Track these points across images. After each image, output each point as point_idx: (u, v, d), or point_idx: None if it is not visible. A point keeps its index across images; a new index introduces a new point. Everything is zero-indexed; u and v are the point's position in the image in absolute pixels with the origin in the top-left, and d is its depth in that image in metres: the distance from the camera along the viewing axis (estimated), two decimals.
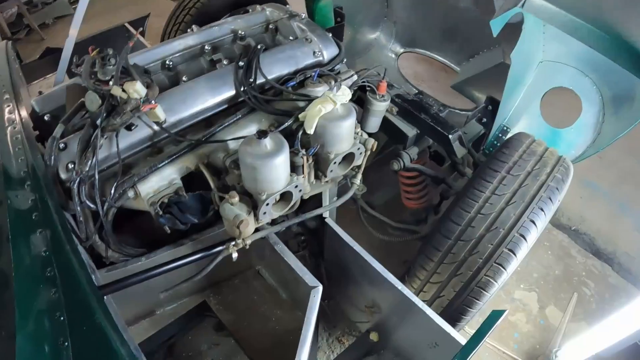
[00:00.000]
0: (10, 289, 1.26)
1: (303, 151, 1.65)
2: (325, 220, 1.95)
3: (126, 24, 3.19)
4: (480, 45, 3.16)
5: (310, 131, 1.63)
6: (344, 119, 1.67)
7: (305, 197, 1.77)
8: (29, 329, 1.21)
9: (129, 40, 1.70)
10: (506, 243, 1.98)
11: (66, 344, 1.20)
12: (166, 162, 1.62)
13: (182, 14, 3.16)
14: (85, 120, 1.65)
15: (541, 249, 3.26)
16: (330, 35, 2.10)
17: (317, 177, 1.79)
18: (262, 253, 2.08)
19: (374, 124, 2.08)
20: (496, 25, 2.33)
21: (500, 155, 2.13)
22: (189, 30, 2.23)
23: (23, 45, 5.37)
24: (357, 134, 1.80)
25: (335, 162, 1.72)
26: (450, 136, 2.20)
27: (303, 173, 1.67)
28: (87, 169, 1.52)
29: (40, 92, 2.10)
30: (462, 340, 1.78)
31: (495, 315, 1.85)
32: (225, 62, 1.98)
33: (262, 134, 1.48)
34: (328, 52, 2.05)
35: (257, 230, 1.70)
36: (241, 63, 1.85)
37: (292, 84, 1.86)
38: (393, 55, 3.24)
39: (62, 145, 1.59)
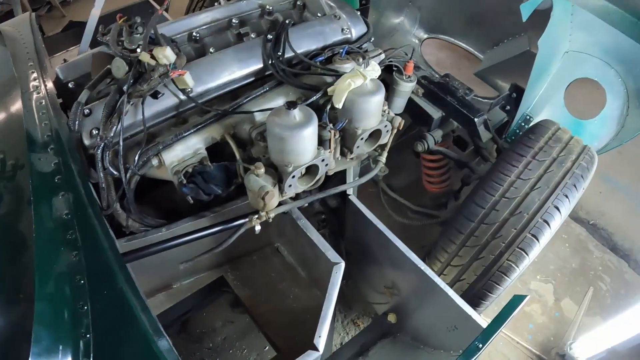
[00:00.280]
0: (30, 251, 1.23)
1: (331, 125, 1.61)
2: (349, 197, 1.91)
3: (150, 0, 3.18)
4: (505, 33, 3.08)
5: (339, 105, 1.59)
6: (373, 94, 1.62)
7: (330, 173, 1.73)
8: (48, 292, 1.18)
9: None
10: (529, 228, 1.93)
11: (86, 308, 1.17)
12: (192, 131, 1.58)
13: None
14: (110, 87, 1.63)
15: (559, 241, 3.20)
16: (359, 12, 2.06)
17: (342, 154, 1.75)
18: (283, 229, 2.03)
19: (399, 104, 2.03)
20: (526, 10, 2.28)
21: (526, 140, 2.08)
22: (215, 4, 2.20)
23: (44, 21, 5.35)
24: (385, 111, 1.77)
25: (362, 138, 1.68)
26: (476, 119, 2.15)
27: (330, 148, 1.64)
28: (111, 135, 1.48)
29: (64, 61, 2.09)
30: (483, 323, 1.75)
31: (517, 300, 1.82)
32: (252, 35, 1.95)
33: (291, 105, 1.44)
34: (356, 29, 2.01)
35: (280, 204, 1.67)
36: (270, 36, 1.81)
37: (320, 59, 1.81)
38: (416, 41, 3.18)
39: (86, 111, 1.54)
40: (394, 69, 2.00)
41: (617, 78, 2.36)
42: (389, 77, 2.02)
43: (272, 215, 1.63)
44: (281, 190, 1.57)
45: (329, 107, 1.62)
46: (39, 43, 2.00)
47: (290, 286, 2.05)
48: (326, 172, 1.69)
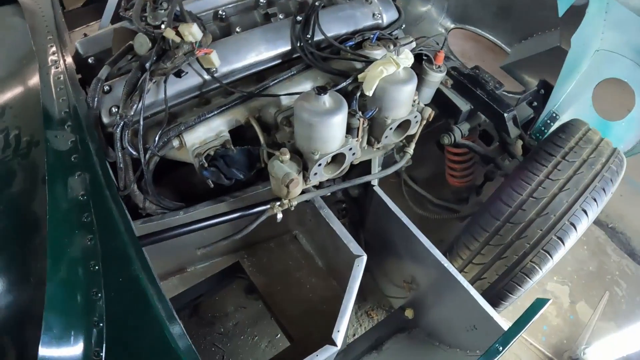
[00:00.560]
0: (43, 234, 1.13)
1: (360, 113, 1.52)
2: (374, 188, 1.82)
3: None
4: (535, 27, 2.95)
5: (369, 93, 1.49)
6: (405, 83, 1.52)
7: (355, 162, 1.65)
8: (61, 277, 1.09)
9: None
10: (556, 230, 1.84)
11: (99, 295, 1.08)
12: (215, 112, 1.48)
13: None
14: (132, 64, 1.55)
15: (578, 243, 3.06)
16: None
17: (369, 143, 1.66)
18: (303, 217, 1.94)
19: (426, 95, 1.92)
20: (563, 5, 2.17)
21: (556, 139, 1.98)
22: None
23: None
24: (415, 102, 1.67)
25: (391, 128, 1.58)
26: (505, 115, 2.04)
27: (357, 136, 1.55)
28: (131, 113, 1.38)
29: (85, 35, 2.00)
30: (505, 325, 1.67)
31: (539, 304, 1.73)
32: (280, 16, 1.85)
33: (321, 90, 1.35)
34: (388, 15, 1.89)
35: (303, 192, 1.59)
36: (299, 18, 1.71)
37: (350, 43, 1.71)
38: (443, 30, 3.05)
39: (106, 88, 1.45)
40: (424, 58, 1.89)
41: None
42: (417, 67, 1.91)
43: (294, 203, 1.54)
44: (305, 178, 1.48)
45: (358, 94, 1.52)
46: (58, 17, 1.90)
47: (307, 275, 1.98)
48: (352, 162, 1.60)
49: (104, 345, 1.04)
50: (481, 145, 2.22)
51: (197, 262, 2.00)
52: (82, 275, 1.10)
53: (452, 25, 3.10)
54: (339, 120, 1.37)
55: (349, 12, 1.81)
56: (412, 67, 1.92)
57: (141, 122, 1.40)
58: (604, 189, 1.92)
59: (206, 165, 1.47)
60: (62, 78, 1.52)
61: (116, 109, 1.44)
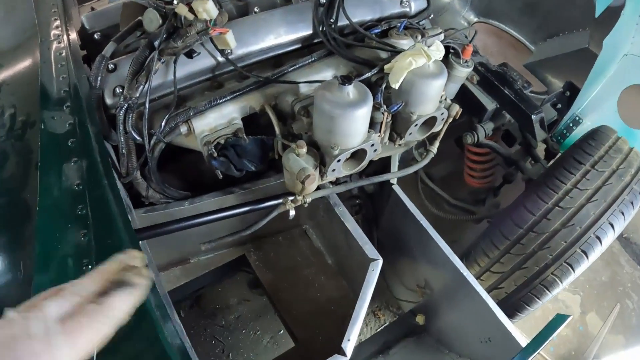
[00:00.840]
0: (32, 226, 0.99)
1: (384, 107, 1.37)
2: (393, 187, 1.67)
3: None
4: (562, 26, 2.76)
5: (396, 85, 1.34)
6: (435, 77, 1.37)
7: (375, 158, 1.51)
8: (50, 275, 0.94)
9: None
10: (580, 243, 1.69)
11: None
12: (228, 98, 1.33)
13: None
14: (140, 41, 1.40)
15: None
16: None
17: (390, 139, 1.51)
18: (314, 212, 1.79)
19: (451, 90, 1.77)
20: (601, 4, 2.01)
21: (586, 147, 1.82)
22: None
23: None
24: (442, 97, 1.52)
25: (416, 125, 1.44)
26: (533, 116, 1.88)
27: (380, 132, 1.41)
28: (137, 95, 1.23)
29: (92, 9, 1.86)
30: (523, 341, 1.54)
31: (559, 320, 1.61)
32: None
33: (346, 80, 1.20)
34: (416, 3, 1.72)
35: (318, 187, 1.45)
36: (322, 0, 1.55)
37: (376, 31, 1.56)
38: (465, 24, 2.90)
39: (111, 66, 1.30)
40: (451, 51, 1.74)
41: None
42: (444, 60, 1.76)
43: (309, 200, 1.40)
44: (322, 174, 1.34)
45: (384, 86, 1.38)
46: None
47: (316, 273, 1.84)
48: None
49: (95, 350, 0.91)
50: (503, 147, 2.07)
51: (201, 253, 1.86)
52: (73, 275, 0.96)
53: (475, 19, 2.92)
54: (363, 114, 1.22)
55: None
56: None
57: (146, 105, 1.26)
58: (632, 203, 1.77)
59: (215, 154, 1.33)
60: (64, 54, 1.37)
61: (120, 90, 1.30)
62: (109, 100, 1.32)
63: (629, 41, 2.17)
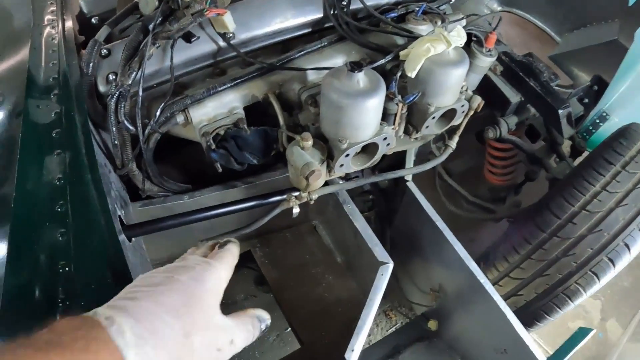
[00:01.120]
0: (6, 222, 0.87)
1: (399, 97, 1.22)
2: (407, 184, 1.52)
3: None
4: (590, 17, 2.55)
5: (412, 74, 1.19)
6: (455, 66, 1.21)
7: (389, 152, 1.36)
8: (22, 278, 0.82)
9: None
10: (608, 251, 1.52)
11: (68, 303, 0.79)
12: (228, 85, 1.19)
13: None
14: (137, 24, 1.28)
15: None
16: None
17: (406, 132, 1.36)
18: (324, 208, 1.65)
19: (473, 81, 1.60)
20: None
21: (616, 146, 1.63)
22: None
23: None
24: (463, 88, 1.36)
25: (433, 117, 1.28)
26: (560, 111, 1.70)
27: (394, 124, 1.26)
28: (129, 82, 1.11)
29: None
30: (540, 355, 1.38)
31: (582, 333, 1.46)
32: None
33: (355, 66, 1.05)
34: None
35: (326, 183, 1.31)
36: None
37: (392, 15, 1.41)
38: (487, 12, 2.71)
39: (104, 52, 1.17)
40: (473, 39, 1.57)
41: None
42: (465, 48, 1.60)
43: (315, 197, 1.26)
44: (330, 169, 1.20)
45: (399, 74, 1.22)
46: None
47: (324, 272, 1.71)
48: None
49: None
50: (526, 142, 1.89)
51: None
52: (47, 277, 0.84)
53: (499, 8, 2.73)
54: (375, 104, 1.07)
55: None
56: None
57: (140, 93, 1.13)
58: None
59: (214, 146, 1.20)
60: (56, 40, 1.25)
61: (114, 77, 1.18)
62: (102, 88, 1.20)
63: None
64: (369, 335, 2.09)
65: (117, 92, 1.12)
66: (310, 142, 1.11)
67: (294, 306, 1.64)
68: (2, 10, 1.48)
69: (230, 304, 2.11)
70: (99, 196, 0.96)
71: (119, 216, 1.18)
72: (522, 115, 1.80)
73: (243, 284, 2.10)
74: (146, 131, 1.18)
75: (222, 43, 1.26)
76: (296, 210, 1.23)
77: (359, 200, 1.86)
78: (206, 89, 1.18)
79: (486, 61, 1.54)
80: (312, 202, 1.26)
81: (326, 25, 1.39)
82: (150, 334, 0.55)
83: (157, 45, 1.17)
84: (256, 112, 1.32)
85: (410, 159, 1.51)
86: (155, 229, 1.18)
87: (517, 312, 1.63)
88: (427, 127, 1.29)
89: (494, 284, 1.63)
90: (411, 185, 1.50)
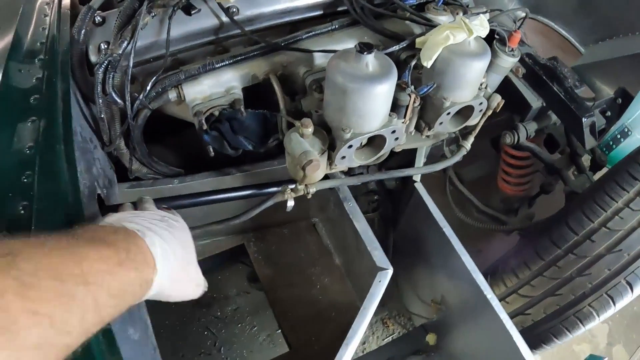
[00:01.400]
0: None
1: (412, 87, 1.09)
2: (415, 185, 1.39)
3: None
4: (618, 28, 2.40)
5: (428, 63, 1.06)
6: (476, 58, 1.08)
7: (398, 149, 1.22)
8: None
9: None
10: (626, 273, 1.37)
11: None
12: (227, 62, 1.07)
13: None
14: None
15: None
16: None
17: (417, 128, 1.23)
18: (326, 205, 1.53)
19: (493, 82, 1.46)
20: None
21: None
22: None
23: None
24: (482, 85, 1.23)
25: (448, 113, 1.15)
26: (584, 120, 1.56)
27: (405, 117, 1.12)
28: (120, 51, 1.00)
29: None
30: None
31: None
32: None
33: (365, 48, 0.93)
34: None
35: (327, 177, 1.19)
36: None
37: (411, 1, 1.28)
38: (512, 20, 2.57)
39: (98, 19, 1.07)
40: (496, 37, 1.43)
41: None
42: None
43: (312, 190, 1.13)
44: (330, 161, 1.07)
45: (413, 62, 1.09)
46: None
47: (321, 274, 1.57)
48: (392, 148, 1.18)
49: None
50: (544, 152, 1.74)
51: (195, 238, 1.62)
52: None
53: (529, 15, 2.59)
54: (384, 91, 0.94)
55: None
56: None
57: (130, 63, 1.02)
58: None
59: (205, 127, 1.08)
60: (50, 4, 1.15)
61: (106, 46, 1.07)
62: (93, 57, 1.10)
63: None
64: (363, 343, 1.95)
65: (106, 61, 1.01)
66: (310, 129, 0.99)
67: (285, 307, 1.52)
68: None
69: (222, 299, 1.99)
70: (70, 169, 0.85)
71: (99, 195, 1.07)
72: (542, 122, 1.65)
73: (236, 280, 1.98)
74: (134, 106, 1.06)
75: (225, 18, 1.14)
76: (290, 203, 1.11)
77: (363, 200, 1.72)
78: (202, 65, 1.07)
79: (508, 61, 1.40)
80: (309, 196, 1.13)
81: (340, 8, 1.27)
82: (170, 254, 0.65)
83: (153, 14, 1.06)
84: (259, 99, 1.19)
85: (420, 159, 1.38)
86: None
87: (523, 333, 1.49)
88: (440, 123, 1.16)
89: (500, 300, 1.49)
90: (419, 186, 1.37)
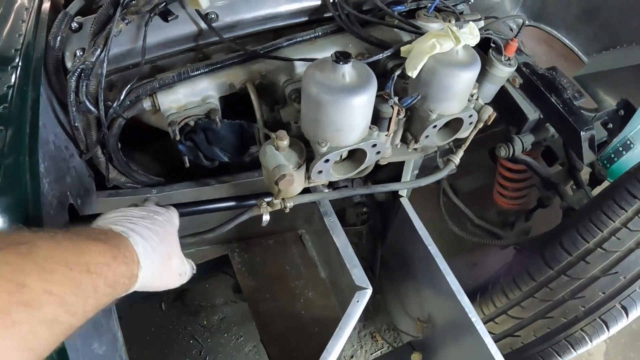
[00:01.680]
0: None
1: (395, 99, 1.03)
2: (401, 200, 1.32)
3: None
4: (622, 38, 2.31)
5: (413, 73, 0.99)
6: (464, 68, 1.01)
7: (383, 162, 1.15)
8: None
9: None
10: (622, 297, 1.29)
11: None
12: (203, 71, 1.03)
13: None
14: None
15: None
16: None
17: (403, 141, 1.16)
18: (310, 217, 1.48)
19: (488, 92, 1.39)
20: None
21: None
22: None
23: None
24: (472, 96, 1.16)
25: (435, 126, 1.08)
26: (582, 133, 1.49)
27: (388, 130, 1.06)
28: (93, 59, 0.96)
29: None
30: None
31: None
32: None
33: (342, 57, 0.87)
34: None
35: (307, 190, 1.12)
36: None
37: (400, 8, 1.21)
38: (514, 27, 2.49)
39: (75, 25, 1.04)
40: (492, 45, 1.36)
41: None
42: (482, 56, 1.38)
43: (290, 205, 1.07)
44: (308, 175, 1.01)
45: (397, 72, 1.02)
46: None
47: (305, 287, 1.51)
48: (377, 161, 1.11)
49: None
50: (542, 165, 1.66)
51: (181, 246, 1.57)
52: None
53: (526, 23, 2.50)
54: (361, 103, 0.88)
55: None
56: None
57: (103, 72, 0.97)
58: None
59: (179, 137, 1.02)
60: (27, 11, 1.11)
61: (81, 53, 1.02)
62: (69, 64, 1.06)
63: None
64: (351, 357, 1.88)
65: (78, 69, 0.96)
66: (285, 142, 0.92)
67: (267, 320, 1.45)
68: None
69: (209, 308, 1.93)
70: (33, 181, 0.80)
71: (71, 205, 1.02)
72: (539, 134, 1.58)
73: (223, 288, 1.92)
74: (109, 115, 1.00)
75: (203, 25, 1.08)
76: (266, 217, 1.04)
77: (352, 212, 1.65)
78: (177, 73, 1.02)
79: (504, 71, 1.33)
80: (287, 210, 1.07)
81: (325, 15, 1.20)
82: (151, 250, 0.69)
83: (127, 21, 1.00)
84: (244, 107, 1.13)
85: (407, 172, 1.30)
86: None
87: (511, 355, 1.41)
88: (427, 136, 1.09)
89: (489, 321, 1.42)
90: (405, 201, 1.30)
